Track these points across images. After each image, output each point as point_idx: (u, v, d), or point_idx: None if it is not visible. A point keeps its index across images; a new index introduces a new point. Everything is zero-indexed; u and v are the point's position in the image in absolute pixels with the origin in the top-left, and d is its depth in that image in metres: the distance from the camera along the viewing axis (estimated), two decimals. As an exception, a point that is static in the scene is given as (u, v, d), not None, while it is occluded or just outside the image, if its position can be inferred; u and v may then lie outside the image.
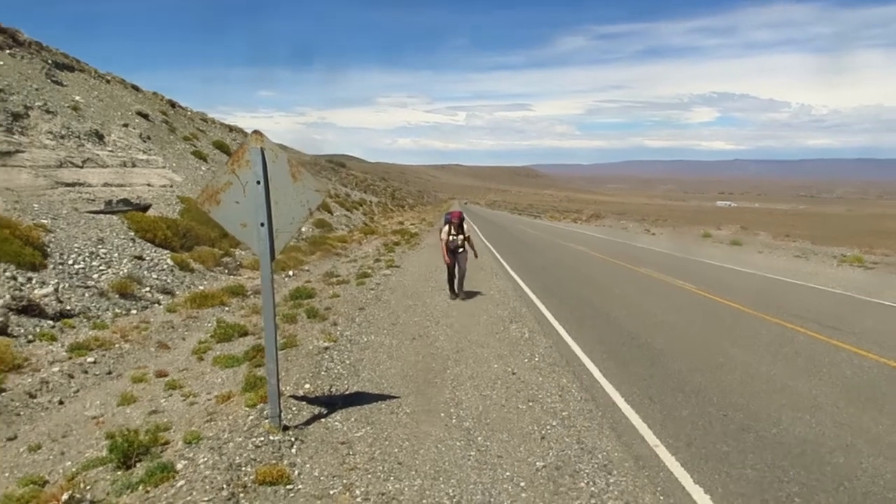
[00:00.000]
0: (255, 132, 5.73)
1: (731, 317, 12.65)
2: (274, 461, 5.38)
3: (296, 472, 5.22)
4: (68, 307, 12.77)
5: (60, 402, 8.54)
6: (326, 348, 9.51)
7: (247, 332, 11.56)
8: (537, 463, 5.38)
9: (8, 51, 27.81)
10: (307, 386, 7.51)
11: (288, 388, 7.45)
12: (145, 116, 34.89)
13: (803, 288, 17.44)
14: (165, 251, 18.47)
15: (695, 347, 9.88)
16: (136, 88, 42.83)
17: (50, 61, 31.24)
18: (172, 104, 46.88)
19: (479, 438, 5.94)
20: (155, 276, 16.39)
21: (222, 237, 23.56)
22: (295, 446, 5.75)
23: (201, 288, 16.87)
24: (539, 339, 10.25)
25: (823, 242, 38.96)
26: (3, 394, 8.11)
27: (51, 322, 11.91)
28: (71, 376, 9.35)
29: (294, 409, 6.73)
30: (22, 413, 7.80)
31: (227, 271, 19.64)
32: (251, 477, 5.05)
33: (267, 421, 6.05)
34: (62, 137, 23.43)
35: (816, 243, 38.24)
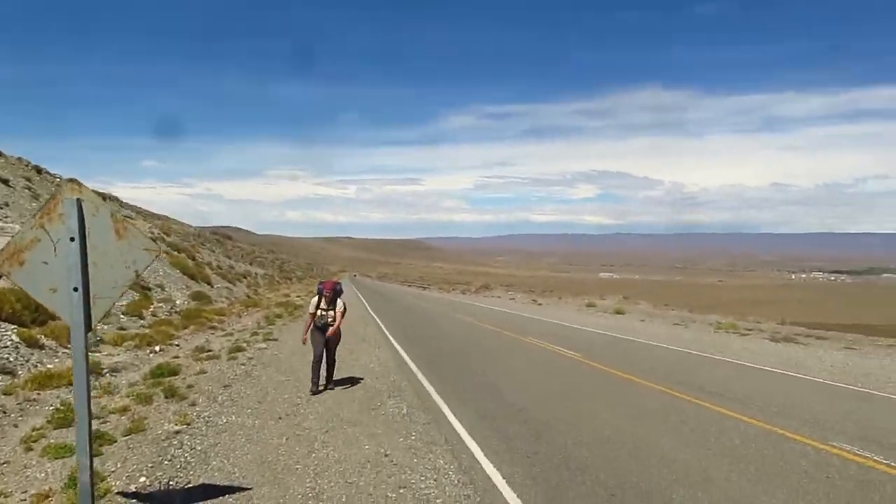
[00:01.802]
0: (72, 180, 4.85)
1: (618, 386, 12.35)
2: (76, 582, 4.31)
3: None
4: None
5: None
6: (177, 432, 8.36)
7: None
8: (402, 567, 4.56)
9: None
10: (142, 479, 6.38)
11: (119, 482, 6.31)
12: (5, 182, 32.40)
13: (684, 355, 17.60)
14: (12, 326, 16.52)
15: (582, 419, 9.36)
16: (-3, 153, 40.03)
17: None
18: (39, 170, 44.06)
19: (338, 538, 5.07)
20: (-6, 354, 14.51)
21: (83, 310, 21.58)
22: (108, 560, 4.68)
23: (50, 367, 15.09)
24: (418, 415, 9.46)
25: (699, 311, 40.54)
26: None
27: None
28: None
29: (120, 509, 5.63)
30: None
31: (84, 348, 17.76)
32: None
33: (78, 528, 4.95)
34: None
35: (693, 311, 39.72)
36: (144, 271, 4.91)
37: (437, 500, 5.84)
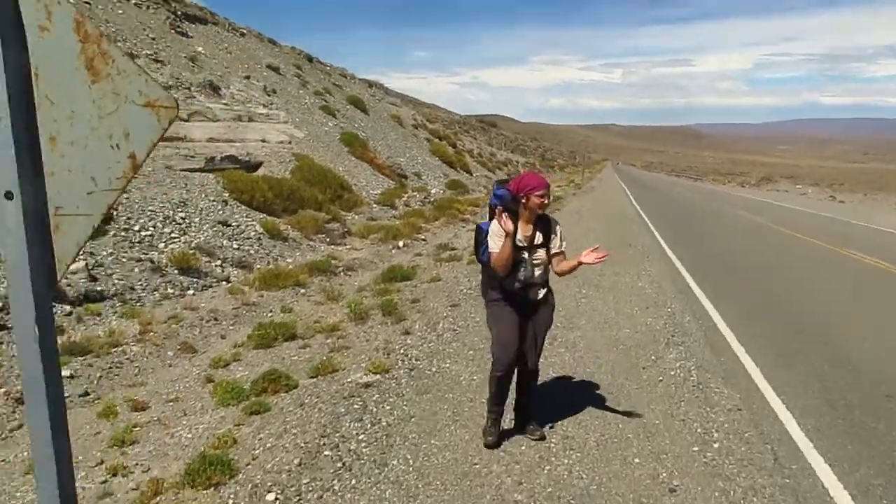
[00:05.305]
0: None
1: None
2: None
3: None
4: (100, 287, 10.19)
5: (-24, 449, 5.74)
6: (367, 386, 6.03)
7: (294, 335, 8.36)
8: None
9: (133, 1, 26.85)
10: (270, 496, 4.02)
11: (242, 492, 4.02)
12: (276, 70, 33.19)
13: None
14: (259, 216, 15.86)
15: None
16: (272, 42, 41.47)
17: (179, 13, 30.04)
18: (310, 59, 45.20)
19: None
20: (236, 245, 13.75)
21: (334, 199, 20.83)
22: None
23: (289, 261, 14.12)
24: (716, 386, 6.03)
25: None
26: None
27: (69, 307, 9.34)
28: (20, 401, 6.55)
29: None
30: None
31: (328, 240, 16.73)
32: None
33: None
34: (168, 88, 21.49)
35: None
36: (148, 156, 2.07)
37: None
